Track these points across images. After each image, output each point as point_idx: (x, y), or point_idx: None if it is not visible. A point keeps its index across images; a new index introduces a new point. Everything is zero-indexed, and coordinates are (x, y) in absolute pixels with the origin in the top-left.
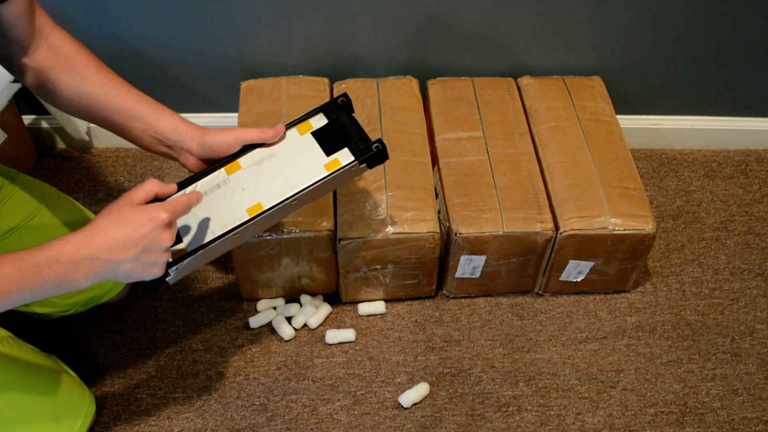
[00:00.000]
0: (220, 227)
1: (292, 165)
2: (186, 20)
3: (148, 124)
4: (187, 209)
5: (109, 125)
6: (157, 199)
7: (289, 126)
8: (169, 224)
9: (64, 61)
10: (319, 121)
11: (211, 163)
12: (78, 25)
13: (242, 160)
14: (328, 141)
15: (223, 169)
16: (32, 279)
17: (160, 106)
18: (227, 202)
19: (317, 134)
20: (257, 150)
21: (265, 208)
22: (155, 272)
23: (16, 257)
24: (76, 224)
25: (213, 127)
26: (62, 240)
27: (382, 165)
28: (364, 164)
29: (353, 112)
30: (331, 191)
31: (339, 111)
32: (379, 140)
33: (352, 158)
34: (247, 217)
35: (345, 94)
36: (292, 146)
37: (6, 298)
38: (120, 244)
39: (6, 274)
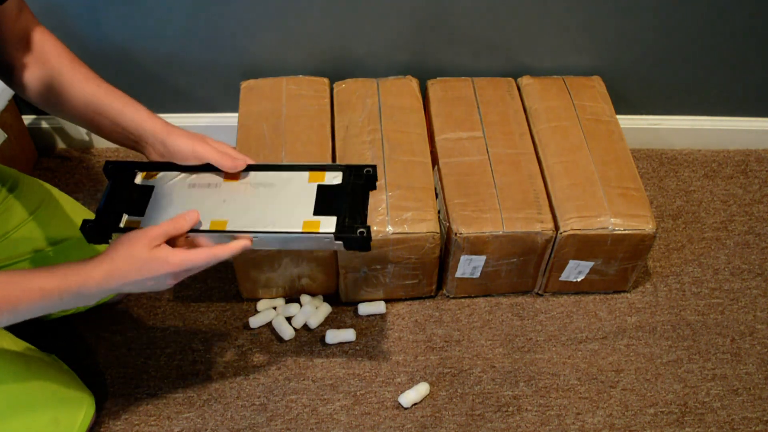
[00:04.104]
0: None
1: (278, 205)
2: (186, 20)
3: (113, 118)
4: (204, 266)
5: (79, 121)
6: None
7: (305, 168)
8: (178, 275)
9: (39, 57)
10: (334, 178)
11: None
12: (77, 26)
13: (243, 174)
14: (325, 200)
15: (222, 173)
16: (53, 303)
17: (128, 101)
18: (203, 204)
19: (322, 189)
20: (263, 173)
21: (225, 229)
22: (151, 291)
23: (41, 286)
24: (69, 234)
25: (213, 127)
26: (85, 273)
27: (382, 164)
28: (340, 242)
29: (374, 188)
30: (301, 249)
31: (358, 179)
32: (368, 228)
33: (332, 230)
34: (206, 228)
35: (374, 167)
36: (292, 188)
37: (25, 315)
38: (130, 282)
39: (31, 298)
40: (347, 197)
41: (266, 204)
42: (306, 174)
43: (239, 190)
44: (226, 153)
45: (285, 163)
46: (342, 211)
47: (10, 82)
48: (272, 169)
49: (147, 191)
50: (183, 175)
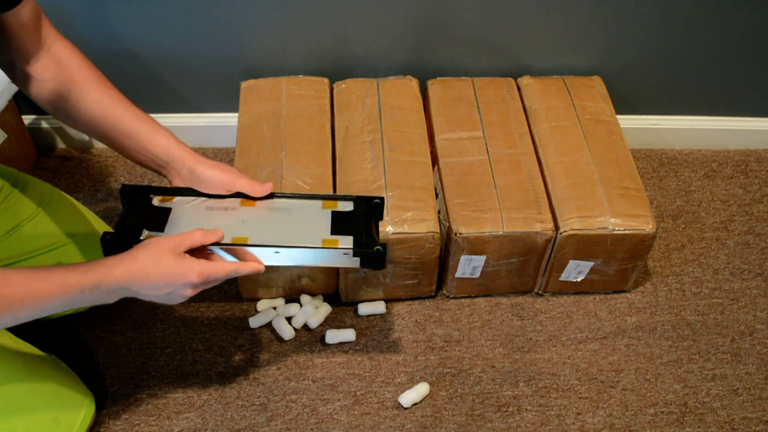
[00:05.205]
0: None
1: (296, 226)
2: (186, 20)
3: (142, 144)
4: (222, 280)
5: (104, 140)
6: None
7: (318, 197)
8: (197, 286)
9: (65, 74)
10: (346, 206)
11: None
12: (77, 27)
13: (259, 201)
14: (340, 224)
15: (239, 200)
16: (74, 297)
17: (154, 126)
18: (223, 223)
19: (336, 215)
20: (277, 200)
21: (248, 242)
22: (171, 305)
23: (64, 280)
24: (71, 233)
25: (213, 127)
26: (106, 268)
27: (382, 164)
28: (357, 258)
29: (381, 218)
30: (317, 266)
31: (369, 208)
32: (384, 245)
33: (350, 246)
34: (228, 241)
35: (382, 199)
36: (307, 213)
37: (47, 310)
38: (151, 285)
39: (53, 292)
40: (360, 221)
41: (285, 224)
42: (319, 203)
43: (257, 213)
44: (252, 182)
45: (301, 192)
46: (358, 231)
47: (28, 93)
48: (290, 197)
49: (165, 212)
50: (201, 198)
